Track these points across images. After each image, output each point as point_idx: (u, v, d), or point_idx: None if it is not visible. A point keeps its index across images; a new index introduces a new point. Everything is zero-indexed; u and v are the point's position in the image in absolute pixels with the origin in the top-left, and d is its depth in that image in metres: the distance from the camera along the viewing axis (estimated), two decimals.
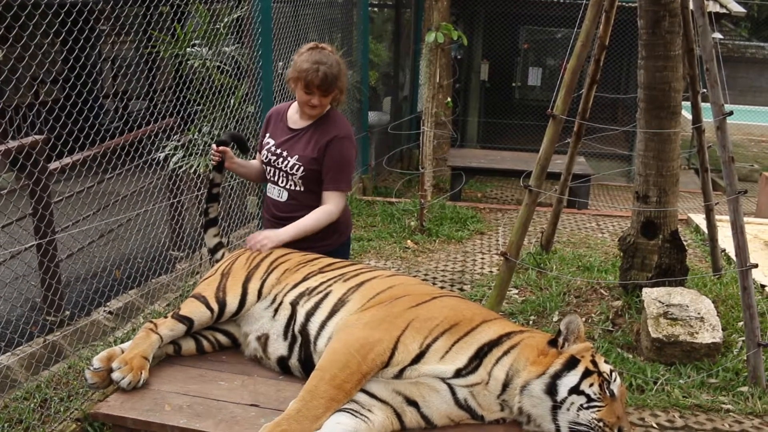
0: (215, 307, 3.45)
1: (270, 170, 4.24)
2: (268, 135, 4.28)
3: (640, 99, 5.82)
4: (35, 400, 4.30)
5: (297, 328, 3.30)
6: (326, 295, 3.34)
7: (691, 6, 5.56)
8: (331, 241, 4.17)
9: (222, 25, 6.67)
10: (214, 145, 4.26)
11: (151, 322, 3.45)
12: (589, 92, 6.66)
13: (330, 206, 4.14)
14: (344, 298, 3.27)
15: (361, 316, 3.09)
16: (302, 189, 4.17)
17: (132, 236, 5.92)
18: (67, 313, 5.25)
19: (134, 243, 5.98)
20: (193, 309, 3.45)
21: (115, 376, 3.11)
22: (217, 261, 4.20)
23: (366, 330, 2.95)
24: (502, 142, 14.31)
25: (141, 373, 3.15)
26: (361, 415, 2.75)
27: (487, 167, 11.03)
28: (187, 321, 3.42)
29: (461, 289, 6.61)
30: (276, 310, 3.43)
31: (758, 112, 20.17)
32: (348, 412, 2.74)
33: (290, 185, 4.17)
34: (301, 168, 4.11)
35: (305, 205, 4.14)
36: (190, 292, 3.80)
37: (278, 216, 4.22)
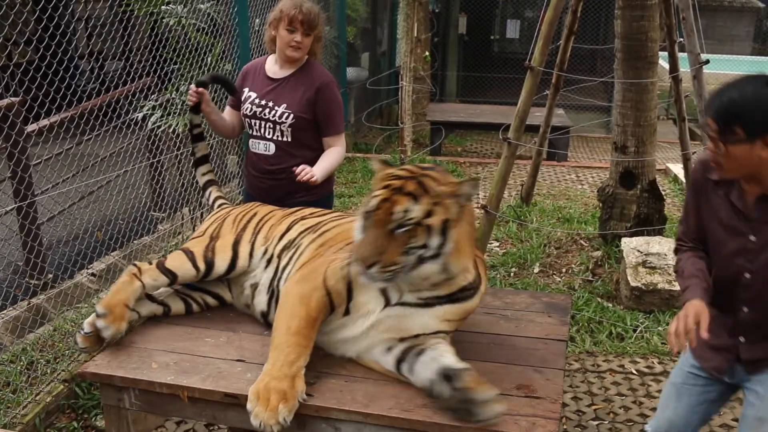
0: (202, 266, 3.44)
1: (255, 123, 4.17)
2: (247, 89, 4.21)
3: (617, 49, 5.84)
4: (22, 363, 4.33)
5: (275, 282, 3.34)
6: (296, 249, 3.37)
7: None
8: (315, 192, 4.18)
9: None
10: (193, 86, 4.14)
11: (135, 265, 3.42)
12: (566, 43, 6.67)
13: (339, 148, 4.22)
14: (304, 251, 3.32)
15: (297, 272, 3.18)
16: (289, 139, 4.13)
17: (113, 198, 5.90)
18: (50, 276, 5.24)
19: (115, 204, 5.96)
20: (179, 264, 3.44)
21: (98, 323, 3.12)
22: (208, 203, 4.18)
23: (298, 285, 3.03)
24: (481, 96, 14.26)
25: (122, 323, 3.17)
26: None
27: (466, 121, 11.00)
28: (170, 275, 3.40)
29: None
30: (268, 261, 3.45)
31: (736, 62, 20.13)
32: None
33: (277, 136, 4.13)
34: (291, 115, 4.08)
35: (294, 155, 4.11)
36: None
37: (266, 170, 4.19)
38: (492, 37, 16.91)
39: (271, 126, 4.13)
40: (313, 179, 3.89)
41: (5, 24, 4.28)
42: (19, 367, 4.29)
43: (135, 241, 6.02)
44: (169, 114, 6.20)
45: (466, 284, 2.92)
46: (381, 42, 13.67)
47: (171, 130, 6.10)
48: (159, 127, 6.10)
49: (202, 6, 6.50)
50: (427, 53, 9.91)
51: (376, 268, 2.68)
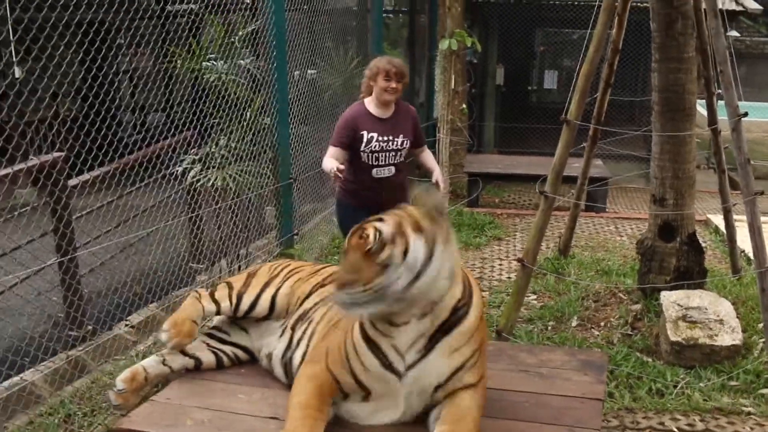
0: (235, 301, 3.61)
1: (382, 155, 5.32)
2: (366, 132, 5.28)
3: (655, 102, 5.81)
4: (59, 415, 4.36)
5: (288, 354, 3.44)
6: (309, 323, 3.48)
7: (704, 7, 5.54)
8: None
9: (237, 38, 6.72)
10: (336, 169, 5.01)
11: (196, 291, 3.69)
12: (603, 96, 6.65)
13: (431, 155, 5.82)
14: (315, 329, 3.43)
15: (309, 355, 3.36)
16: (402, 159, 5.42)
17: (152, 250, 5.97)
18: (90, 328, 5.30)
19: (154, 257, 6.03)
20: (223, 295, 3.66)
21: (162, 336, 3.32)
22: None
23: (307, 367, 3.19)
24: (519, 147, 14.23)
25: (187, 338, 3.34)
26: None
27: (503, 173, 11.00)
28: (217, 305, 3.62)
29: None
30: (283, 330, 3.55)
31: None
32: None
33: (397, 159, 5.39)
34: (407, 142, 5.39)
35: (403, 171, 5.47)
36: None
37: (383, 187, 5.31)
38: (529, 88, 16.94)
39: (394, 153, 5.36)
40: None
41: (51, 83, 4.39)
42: (56, 420, 4.31)
43: (173, 293, 6.08)
44: (207, 168, 6.30)
45: (455, 303, 2.94)
46: (419, 93, 13.77)
47: (210, 183, 6.19)
48: (198, 180, 6.19)
49: (241, 62, 6.63)
50: (464, 105, 9.97)
51: (354, 288, 2.72)
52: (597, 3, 5.62)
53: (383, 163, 5.35)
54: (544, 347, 4.60)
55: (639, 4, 6.24)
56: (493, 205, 10.70)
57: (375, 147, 5.30)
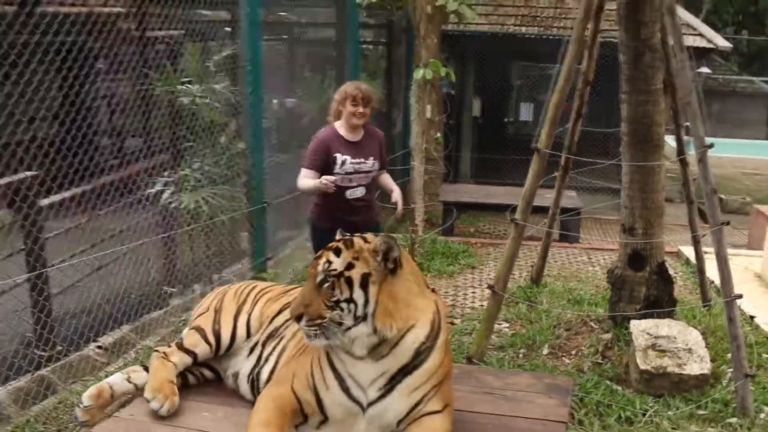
0: (213, 341, 3.56)
1: (353, 177, 5.51)
2: (339, 155, 5.44)
3: (624, 133, 5.90)
4: None
5: (256, 370, 3.45)
6: (279, 340, 3.48)
7: (671, 41, 5.65)
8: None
9: (212, 63, 6.76)
10: (328, 181, 5.25)
11: (157, 351, 3.55)
12: (574, 126, 6.74)
13: (389, 177, 5.94)
14: (286, 346, 3.43)
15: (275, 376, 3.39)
16: (370, 180, 5.61)
17: (124, 272, 5.94)
18: (59, 348, 5.26)
19: (126, 279, 6.00)
20: (195, 342, 3.57)
21: (153, 405, 3.23)
22: None
23: (272, 388, 3.25)
24: (495, 177, 14.31)
25: (175, 397, 3.28)
26: None
27: (479, 202, 11.07)
28: (192, 354, 3.54)
29: (451, 323, 6.64)
30: (251, 349, 3.55)
31: (749, 145, 20.28)
32: None
33: (367, 180, 5.58)
34: (377, 163, 5.60)
35: (372, 191, 5.71)
36: (188, 324, 3.89)
37: (355, 207, 5.53)
38: (506, 120, 17.11)
39: (365, 175, 5.56)
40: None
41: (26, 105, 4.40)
42: None
43: (146, 316, 6.05)
44: (181, 190, 6.30)
45: (418, 346, 2.97)
46: (396, 123, 13.85)
47: (182, 206, 6.19)
48: (171, 203, 6.18)
49: (216, 86, 6.66)
50: (438, 134, 10.04)
51: (303, 320, 2.77)
52: (569, 36, 5.72)
53: (355, 184, 5.52)
54: (511, 371, 4.63)
55: (610, 39, 6.34)
56: (468, 235, 10.74)
57: (349, 169, 5.46)
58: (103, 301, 6.03)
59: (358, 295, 2.85)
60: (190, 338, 3.61)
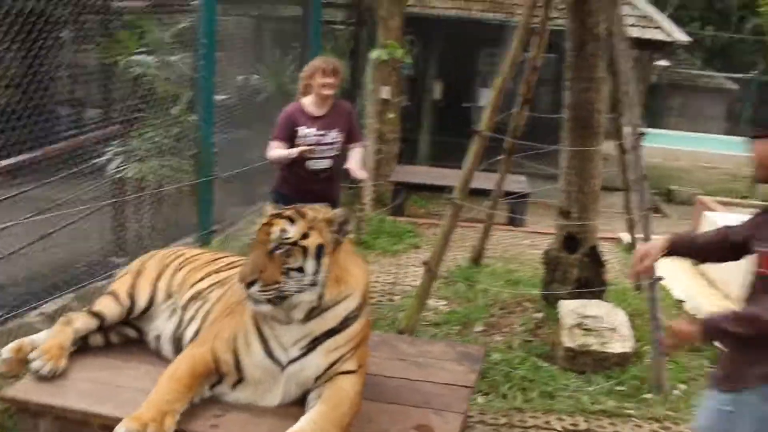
0: (126, 304, 3.63)
1: (315, 149, 5.55)
2: (303, 127, 5.57)
3: (566, 119, 6.06)
4: None
5: (179, 332, 3.54)
6: (203, 302, 3.58)
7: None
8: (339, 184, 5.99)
9: (167, 34, 6.80)
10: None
11: (66, 316, 3.61)
12: (520, 111, 6.90)
13: (362, 149, 5.99)
14: (212, 308, 3.52)
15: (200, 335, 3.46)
16: (336, 153, 5.66)
17: (72, 242, 5.99)
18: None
19: (74, 248, 6.05)
20: (105, 305, 3.63)
21: (35, 365, 3.27)
22: None
23: (192, 348, 3.32)
24: (452, 161, 14.39)
25: (61, 360, 3.33)
26: None
27: (427, 183, 11.09)
28: (99, 317, 3.59)
29: (391, 300, 6.79)
30: (172, 311, 3.64)
31: (707, 139, 20.62)
32: None
33: (331, 153, 5.64)
34: (340, 136, 5.65)
35: (335, 163, 5.70)
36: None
37: (320, 178, 5.61)
38: (465, 105, 17.22)
39: (328, 147, 5.62)
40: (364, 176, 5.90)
41: None
42: None
43: (90, 285, 6.09)
44: (130, 160, 6.35)
45: (347, 314, 3.12)
46: (357, 103, 13.95)
47: (129, 175, 6.24)
48: (117, 174, 6.24)
49: (170, 58, 6.71)
50: (391, 115, 10.15)
51: (256, 286, 2.87)
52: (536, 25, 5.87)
53: (317, 156, 5.62)
54: (426, 340, 4.79)
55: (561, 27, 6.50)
56: (418, 216, 10.88)
57: (311, 141, 5.58)
58: (48, 270, 6.09)
59: (310, 264, 2.97)
60: (100, 302, 3.69)
